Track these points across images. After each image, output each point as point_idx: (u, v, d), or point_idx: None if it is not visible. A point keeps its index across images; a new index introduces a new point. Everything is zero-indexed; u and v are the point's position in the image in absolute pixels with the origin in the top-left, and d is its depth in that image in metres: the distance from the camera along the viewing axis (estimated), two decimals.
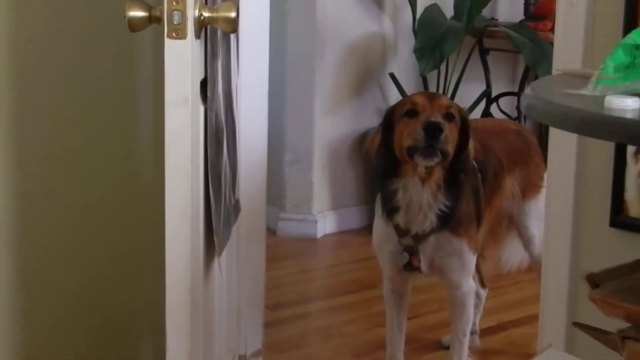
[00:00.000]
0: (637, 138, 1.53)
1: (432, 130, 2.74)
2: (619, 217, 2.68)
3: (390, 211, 2.91)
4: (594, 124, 1.47)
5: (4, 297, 2.65)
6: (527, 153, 3.35)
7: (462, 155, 2.87)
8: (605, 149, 2.67)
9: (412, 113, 2.82)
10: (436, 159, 2.78)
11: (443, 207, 2.87)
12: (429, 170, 2.83)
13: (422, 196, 2.86)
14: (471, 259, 3.02)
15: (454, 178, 2.87)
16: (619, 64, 1.62)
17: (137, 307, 2.91)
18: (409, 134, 2.79)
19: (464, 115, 2.90)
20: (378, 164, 2.93)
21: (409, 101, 2.86)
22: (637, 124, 1.44)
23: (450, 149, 2.79)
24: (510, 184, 3.26)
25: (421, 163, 2.79)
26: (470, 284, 3.07)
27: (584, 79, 1.75)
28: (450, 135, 2.79)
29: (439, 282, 3.23)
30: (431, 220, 2.88)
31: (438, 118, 2.78)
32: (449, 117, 2.82)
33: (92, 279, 2.81)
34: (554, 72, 2.70)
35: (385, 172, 2.89)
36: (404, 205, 2.88)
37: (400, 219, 2.91)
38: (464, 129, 2.87)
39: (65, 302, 2.77)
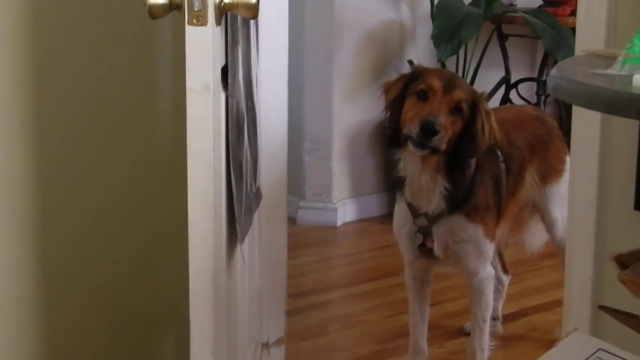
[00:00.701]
0: None
1: (427, 131, 2.73)
2: None
3: (399, 182, 2.91)
4: (622, 103, 1.46)
5: (25, 291, 2.65)
6: (548, 138, 3.33)
7: (466, 142, 2.84)
8: (629, 132, 2.66)
9: (423, 96, 2.80)
10: (425, 152, 2.78)
11: (443, 190, 2.86)
12: (425, 157, 2.83)
13: (420, 174, 2.85)
14: (488, 247, 3.01)
15: (457, 162, 2.85)
16: None
17: (158, 299, 2.91)
18: (409, 120, 2.79)
19: (476, 103, 2.85)
20: (387, 123, 2.93)
21: (426, 81, 2.82)
22: None
23: (444, 145, 2.77)
24: (530, 176, 3.25)
25: (412, 150, 2.79)
26: (487, 271, 3.05)
27: (609, 59, 1.73)
28: (450, 130, 2.77)
29: (456, 271, 3.22)
30: (437, 201, 2.88)
31: (441, 115, 2.75)
32: (456, 111, 2.80)
33: (113, 271, 2.81)
34: (578, 53, 2.69)
35: (392, 138, 2.89)
36: (407, 176, 2.88)
37: (407, 191, 2.91)
38: (473, 117, 2.84)
39: (87, 294, 2.77)
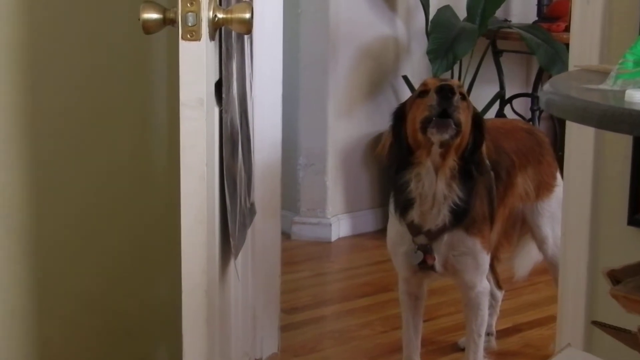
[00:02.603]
0: None
1: (445, 92, 2.72)
2: (637, 215, 2.66)
3: (404, 206, 2.89)
4: (615, 118, 1.46)
5: (18, 299, 2.65)
6: (539, 151, 3.32)
7: (477, 154, 2.85)
8: (622, 147, 2.66)
9: (425, 93, 2.81)
10: (450, 131, 2.74)
11: (457, 200, 2.84)
12: (443, 155, 2.80)
13: (435, 185, 2.83)
14: (485, 259, 3.00)
15: (468, 173, 2.85)
16: (638, 58, 1.61)
17: (152, 311, 2.91)
18: (422, 109, 2.77)
19: (478, 115, 2.89)
20: (391, 159, 2.91)
21: (422, 84, 2.86)
22: None
23: (464, 121, 2.77)
24: (523, 181, 3.24)
25: (435, 137, 2.76)
26: (484, 285, 3.05)
27: (602, 74, 1.74)
28: (462, 113, 2.77)
29: (454, 282, 3.21)
30: (444, 215, 2.86)
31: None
32: (461, 96, 2.80)
33: (107, 283, 2.81)
34: (571, 68, 2.69)
35: (398, 165, 2.88)
36: (418, 196, 2.86)
37: (414, 213, 2.89)
38: (478, 127, 2.86)
39: (80, 305, 2.77)
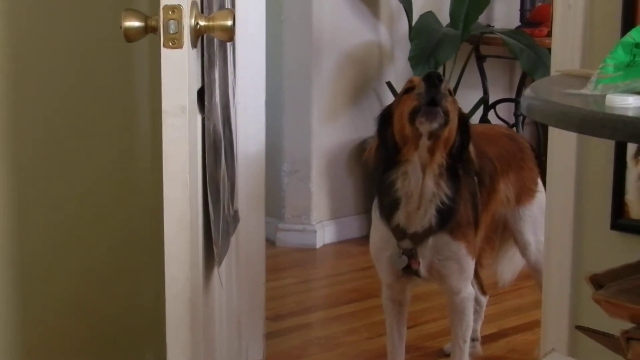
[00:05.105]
0: (639, 136, 1.52)
1: (433, 79, 2.72)
2: (620, 220, 2.67)
3: (390, 208, 2.89)
4: (596, 123, 1.47)
5: (0, 307, 2.63)
6: (521, 157, 3.33)
7: (464, 153, 2.85)
8: (605, 152, 2.66)
9: (411, 89, 2.80)
10: (439, 119, 2.73)
11: (444, 198, 2.84)
12: (431, 150, 2.79)
13: (422, 183, 2.82)
14: (470, 264, 3.00)
15: (454, 172, 2.85)
16: (619, 62, 1.62)
17: (138, 316, 2.90)
18: (410, 100, 2.77)
19: (463, 114, 2.88)
20: (377, 161, 2.91)
21: (408, 81, 2.86)
22: (639, 122, 1.43)
23: (452, 111, 2.77)
24: (505, 187, 3.23)
25: (424, 126, 2.74)
26: (469, 290, 3.05)
27: (584, 79, 1.74)
28: (450, 104, 2.77)
29: (438, 288, 3.21)
30: (431, 215, 2.85)
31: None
32: (448, 92, 2.81)
33: (92, 287, 2.81)
34: (553, 73, 2.70)
35: (385, 166, 2.87)
36: (404, 195, 2.85)
37: (400, 214, 2.88)
38: (464, 126, 2.86)
39: (64, 310, 2.76)
